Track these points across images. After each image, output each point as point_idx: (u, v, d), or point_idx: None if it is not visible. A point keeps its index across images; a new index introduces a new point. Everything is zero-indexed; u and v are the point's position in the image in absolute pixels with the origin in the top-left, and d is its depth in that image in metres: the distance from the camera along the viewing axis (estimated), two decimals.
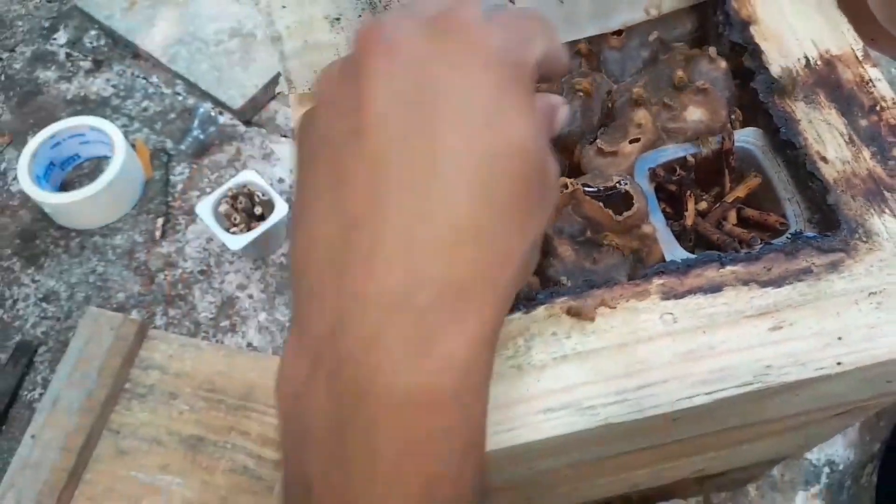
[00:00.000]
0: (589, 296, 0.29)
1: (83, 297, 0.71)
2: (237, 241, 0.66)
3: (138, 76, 0.85)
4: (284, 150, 0.77)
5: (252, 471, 0.61)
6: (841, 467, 0.61)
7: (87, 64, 0.86)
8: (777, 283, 0.29)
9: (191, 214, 0.75)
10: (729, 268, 0.29)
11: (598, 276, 0.30)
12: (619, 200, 0.32)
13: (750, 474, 0.55)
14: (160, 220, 0.74)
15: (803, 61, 0.34)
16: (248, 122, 0.80)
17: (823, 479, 0.61)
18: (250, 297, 0.70)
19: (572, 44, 0.37)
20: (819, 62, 0.34)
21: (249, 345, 0.68)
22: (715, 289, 0.29)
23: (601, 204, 0.31)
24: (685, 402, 0.27)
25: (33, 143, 0.73)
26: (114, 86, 0.84)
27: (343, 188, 0.21)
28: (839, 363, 0.27)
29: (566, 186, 0.32)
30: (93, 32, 0.88)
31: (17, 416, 0.66)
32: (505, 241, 0.21)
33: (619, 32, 0.37)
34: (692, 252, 0.31)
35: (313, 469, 0.21)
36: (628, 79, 0.37)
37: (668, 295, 0.29)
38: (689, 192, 0.34)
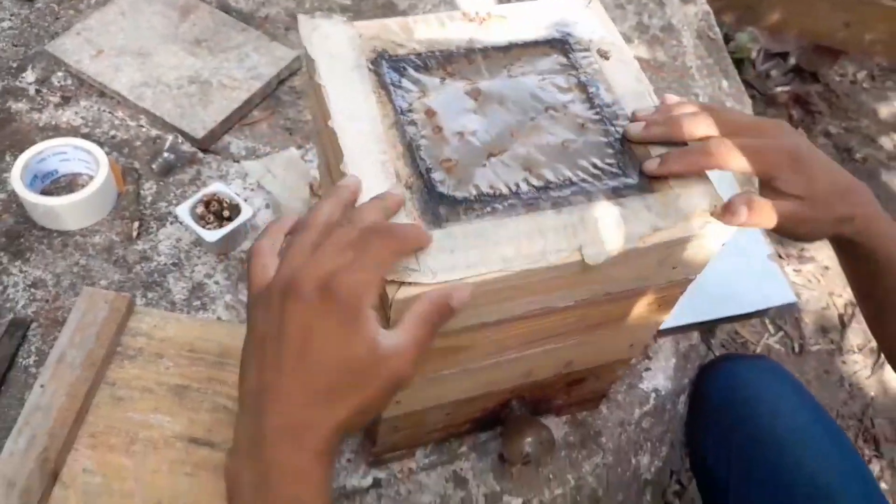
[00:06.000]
0: None
1: (68, 283, 0.84)
2: (212, 235, 0.83)
3: (104, 110, 1.00)
4: (241, 169, 0.95)
5: (230, 409, 0.76)
6: (663, 393, 0.87)
7: (55, 99, 1.00)
8: None
9: (161, 220, 0.90)
10: None
11: None
12: None
13: (601, 388, 0.79)
14: (136, 224, 0.89)
15: None
16: (205, 150, 0.98)
17: (651, 402, 0.86)
18: (216, 283, 0.86)
19: None
20: None
21: (219, 318, 0.83)
22: None
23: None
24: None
25: (25, 156, 0.86)
26: (82, 117, 0.99)
27: (265, 359, 0.43)
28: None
29: None
30: (59, 74, 1.03)
31: (15, 378, 0.77)
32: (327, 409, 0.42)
33: None
34: None
35: None
36: None
37: None
38: None
